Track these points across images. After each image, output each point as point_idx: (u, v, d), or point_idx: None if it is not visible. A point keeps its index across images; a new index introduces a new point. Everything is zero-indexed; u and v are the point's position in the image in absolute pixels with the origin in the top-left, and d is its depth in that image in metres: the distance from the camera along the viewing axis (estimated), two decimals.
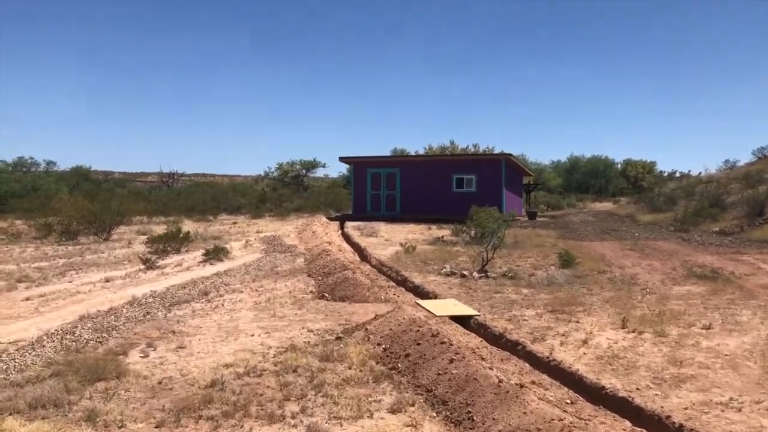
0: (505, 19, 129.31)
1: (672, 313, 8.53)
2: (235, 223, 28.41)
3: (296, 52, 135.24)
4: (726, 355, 6.47)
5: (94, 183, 51.45)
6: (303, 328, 8.17)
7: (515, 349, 7.17)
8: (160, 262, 14.70)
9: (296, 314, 9.02)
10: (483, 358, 6.41)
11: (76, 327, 8.28)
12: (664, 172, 59.11)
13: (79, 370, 6.17)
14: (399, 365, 6.32)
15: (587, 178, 62.47)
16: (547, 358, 6.58)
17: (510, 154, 28.16)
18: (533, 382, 5.82)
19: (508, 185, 29.02)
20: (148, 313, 9.20)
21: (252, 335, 7.87)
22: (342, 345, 7.16)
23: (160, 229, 21.66)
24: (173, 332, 8.19)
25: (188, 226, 24.99)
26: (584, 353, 6.76)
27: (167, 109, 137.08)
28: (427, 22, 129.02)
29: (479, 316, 8.73)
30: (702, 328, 7.60)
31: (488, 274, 12.48)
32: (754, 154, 37.17)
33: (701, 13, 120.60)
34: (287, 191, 42.14)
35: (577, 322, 8.22)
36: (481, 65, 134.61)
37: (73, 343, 7.46)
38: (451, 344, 6.21)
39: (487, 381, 5.24)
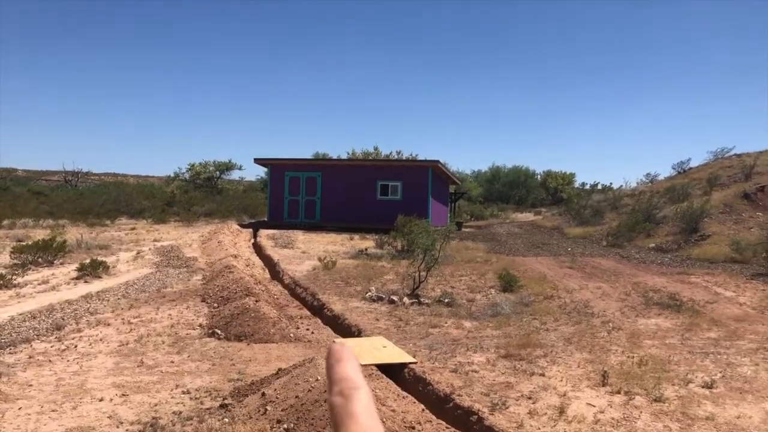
0: (425, 28, 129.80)
1: (654, 360, 6.83)
2: (133, 228, 25.33)
3: (219, 50, 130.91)
4: None
5: None
6: (177, 386, 5.91)
7: (469, 421, 5.22)
8: (20, 279, 11.92)
9: (172, 362, 6.72)
10: None
11: None
12: (586, 183, 59.64)
13: None
14: None
15: (508, 189, 62.26)
16: None
17: (437, 161, 26.52)
18: None
19: (434, 194, 27.39)
20: None
21: (101, 400, 5.55)
22: (227, 420, 4.99)
23: (43, 235, 18.57)
24: None
25: (76, 232, 21.89)
26: None
27: (79, 103, 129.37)
28: (349, 29, 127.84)
29: (415, 363, 6.76)
30: (703, 387, 5.90)
31: (420, 299, 10.56)
32: (674, 168, 37.27)
33: (619, 26, 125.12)
34: (198, 194, 38.92)
35: (542, 375, 6.37)
36: (405, 74, 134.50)
37: None
38: None
39: None
